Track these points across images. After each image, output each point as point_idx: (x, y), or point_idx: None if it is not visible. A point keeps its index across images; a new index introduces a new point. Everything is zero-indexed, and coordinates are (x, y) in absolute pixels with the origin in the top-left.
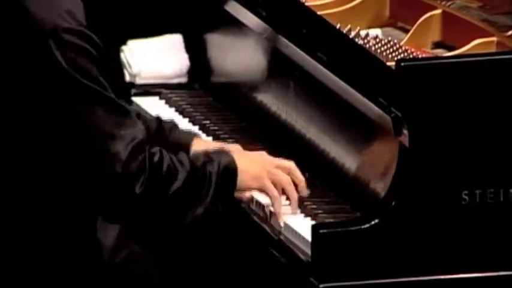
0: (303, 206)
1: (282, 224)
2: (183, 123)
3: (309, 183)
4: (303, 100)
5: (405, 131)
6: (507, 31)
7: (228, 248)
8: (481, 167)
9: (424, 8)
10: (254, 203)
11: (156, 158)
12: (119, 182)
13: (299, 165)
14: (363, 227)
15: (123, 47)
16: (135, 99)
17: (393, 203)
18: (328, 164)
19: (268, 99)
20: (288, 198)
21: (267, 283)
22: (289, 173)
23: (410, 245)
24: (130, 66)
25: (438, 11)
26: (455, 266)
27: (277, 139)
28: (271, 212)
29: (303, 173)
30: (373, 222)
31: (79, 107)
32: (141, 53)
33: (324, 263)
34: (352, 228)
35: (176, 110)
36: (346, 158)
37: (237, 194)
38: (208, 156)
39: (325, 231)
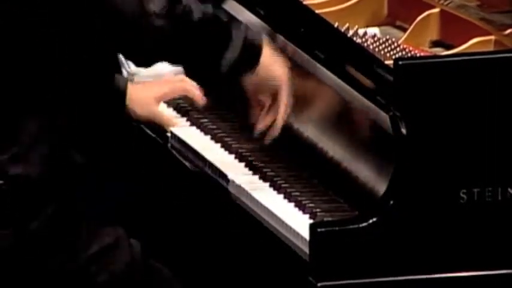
0: (300, 204)
1: (169, 133)
2: (181, 123)
3: (308, 182)
4: (300, 98)
5: (403, 130)
6: (505, 30)
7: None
8: (479, 166)
9: (422, 7)
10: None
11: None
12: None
13: (297, 163)
14: (361, 225)
15: None
16: None
17: (391, 202)
18: (326, 163)
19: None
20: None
21: (266, 283)
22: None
23: (409, 243)
24: (128, 65)
25: (436, 10)
26: (454, 264)
27: (275, 137)
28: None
29: (302, 172)
30: (371, 221)
31: None
32: None
33: (322, 261)
34: (350, 227)
35: (174, 109)
36: (344, 156)
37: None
38: None
39: (323, 229)
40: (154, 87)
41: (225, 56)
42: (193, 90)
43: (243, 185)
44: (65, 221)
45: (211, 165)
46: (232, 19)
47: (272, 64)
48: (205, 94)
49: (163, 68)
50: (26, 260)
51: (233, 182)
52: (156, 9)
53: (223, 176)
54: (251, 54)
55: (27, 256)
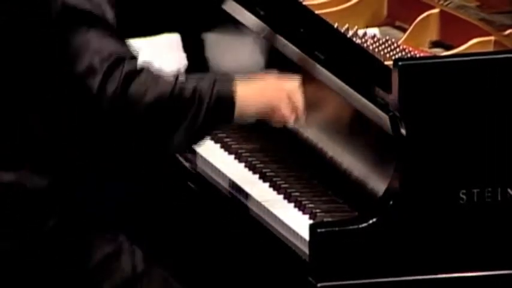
0: (300, 204)
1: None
2: None
3: (307, 182)
4: None
5: (403, 130)
6: (504, 30)
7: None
8: (478, 166)
9: (422, 7)
10: None
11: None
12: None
13: (297, 164)
14: (360, 226)
15: None
16: None
17: (391, 202)
18: (326, 163)
19: None
20: None
21: (266, 283)
22: None
23: (408, 244)
24: None
25: (436, 10)
26: (453, 265)
27: (274, 138)
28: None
29: (301, 173)
30: (371, 222)
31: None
32: (138, 52)
33: (322, 262)
34: (350, 228)
35: None
36: (344, 157)
37: None
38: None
39: (323, 230)
40: None
41: (187, 126)
42: None
43: (242, 186)
44: (67, 230)
45: (210, 166)
46: (199, 80)
47: (250, 104)
48: None
49: (162, 68)
50: (29, 269)
51: (232, 182)
52: (111, 90)
53: (223, 177)
54: (222, 108)
55: (30, 265)
